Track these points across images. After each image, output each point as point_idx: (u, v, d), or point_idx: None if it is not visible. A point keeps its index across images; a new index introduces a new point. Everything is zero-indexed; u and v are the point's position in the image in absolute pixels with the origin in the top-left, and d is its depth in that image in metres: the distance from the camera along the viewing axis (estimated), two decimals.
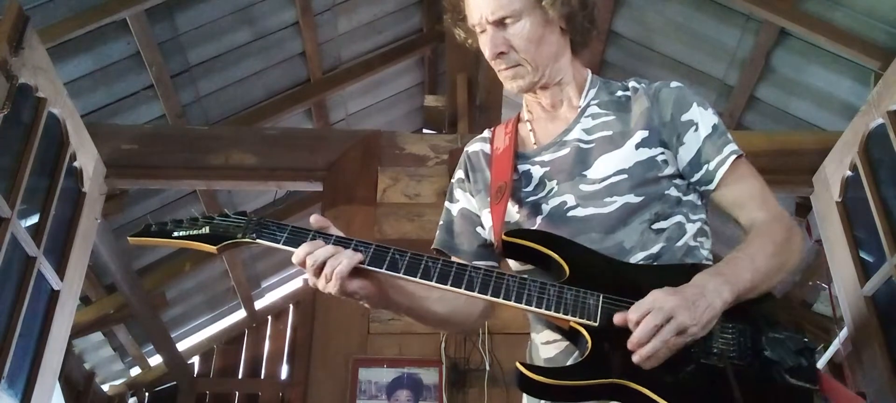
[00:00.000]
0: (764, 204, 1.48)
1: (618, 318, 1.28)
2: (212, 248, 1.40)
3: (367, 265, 1.35)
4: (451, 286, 1.35)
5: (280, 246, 1.38)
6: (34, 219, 2.95)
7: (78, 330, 5.19)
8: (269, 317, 7.53)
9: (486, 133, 1.71)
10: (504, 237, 1.44)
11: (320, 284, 1.34)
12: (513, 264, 1.55)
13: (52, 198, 3.03)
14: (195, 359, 7.33)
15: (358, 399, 3.17)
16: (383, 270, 1.35)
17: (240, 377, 7.35)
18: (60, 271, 3.11)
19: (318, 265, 1.33)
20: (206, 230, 1.41)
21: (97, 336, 5.82)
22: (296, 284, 7.38)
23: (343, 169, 3.73)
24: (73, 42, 3.78)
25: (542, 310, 1.33)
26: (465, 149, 1.72)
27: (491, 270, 1.37)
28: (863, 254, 3.25)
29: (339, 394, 3.18)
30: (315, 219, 1.41)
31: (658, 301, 1.26)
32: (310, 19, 4.62)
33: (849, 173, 3.32)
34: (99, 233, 3.77)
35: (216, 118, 4.79)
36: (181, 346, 6.73)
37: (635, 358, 1.25)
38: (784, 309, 1.53)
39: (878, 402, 3.07)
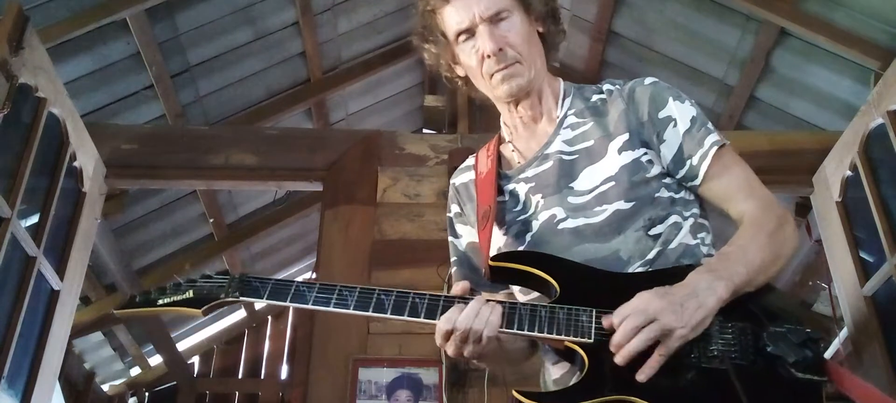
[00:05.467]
0: (751, 194, 1.44)
1: (606, 322, 1.27)
2: (197, 312, 1.44)
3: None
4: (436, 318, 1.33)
5: (264, 301, 1.41)
6: (34, 219, 2.95)
7: (78, 330, 5.19)
8: (269, 317, 7.53)
9: (470, 160, 1.69)
10: (490, 262, 1.42)
11: (468, 350, 1.31)
12: (516, 291, 1.52)
13: (52, 198, 3.03)
14: (195, 359, 7.33)
15: (358, 399, 3.16)
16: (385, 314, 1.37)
17: (240, 377, 7.35)
18: (60, 271, 3.11)
19: (464, 330, 1.30)
20: (189, 294, 1.46)
21: (97, 336, 5.82)
22: None
23: (343, 169, 3.73)
24: (73, 42, 3.78)
25: (535, 333, 1.31)
26: (452, 181, 1.70)
27: (470, 298, 1.34)
28: (863, 254, 3.24)
29: (339, 394, 3.18)
30: (462, 288, 1.39)
31: (642, 303, 1.25)
32: (310, 19, 4.61)
33: (849, 173, 3.32)
34: (99, 233, 3.77)
35: (216, 118, 4.79)
36: (181, 346, 6.72)
37: (618, 359, 1.23)
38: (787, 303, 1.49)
39: None
